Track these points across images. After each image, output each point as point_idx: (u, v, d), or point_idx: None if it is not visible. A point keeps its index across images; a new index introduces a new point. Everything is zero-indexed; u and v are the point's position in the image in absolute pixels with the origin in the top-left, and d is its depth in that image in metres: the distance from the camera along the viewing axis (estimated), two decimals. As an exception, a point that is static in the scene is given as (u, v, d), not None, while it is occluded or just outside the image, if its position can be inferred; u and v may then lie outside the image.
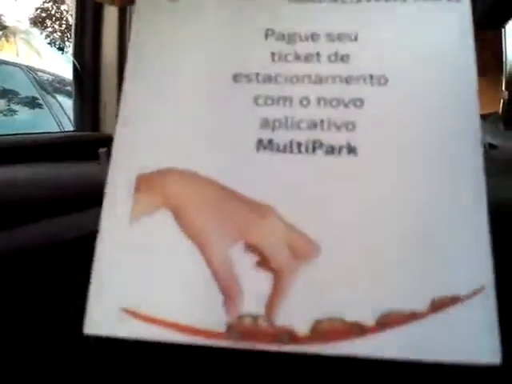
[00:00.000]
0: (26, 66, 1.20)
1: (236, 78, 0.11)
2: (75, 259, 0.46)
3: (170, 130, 0.11)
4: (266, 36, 0.11)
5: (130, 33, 0.12)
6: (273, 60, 0.11)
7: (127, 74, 0.11)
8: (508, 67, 0.43)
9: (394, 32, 0.11)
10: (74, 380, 0.41)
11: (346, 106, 0.11)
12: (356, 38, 0.11)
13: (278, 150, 0.11)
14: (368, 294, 0.10)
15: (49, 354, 0.43)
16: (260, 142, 0.11)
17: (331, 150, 0.11)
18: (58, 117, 1.06)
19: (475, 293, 0.10)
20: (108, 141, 0.64)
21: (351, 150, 0.11)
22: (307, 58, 0.12)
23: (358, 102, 0.11)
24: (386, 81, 0.11)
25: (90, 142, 0.63)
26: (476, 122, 0.11)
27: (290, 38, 0.12)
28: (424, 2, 0.12)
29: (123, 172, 0.11)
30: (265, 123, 0.11)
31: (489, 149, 0.44)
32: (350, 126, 0.11)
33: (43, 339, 0.43)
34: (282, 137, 0.11)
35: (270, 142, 0.11)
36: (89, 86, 0.63)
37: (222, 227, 0.10)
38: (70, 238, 0.45)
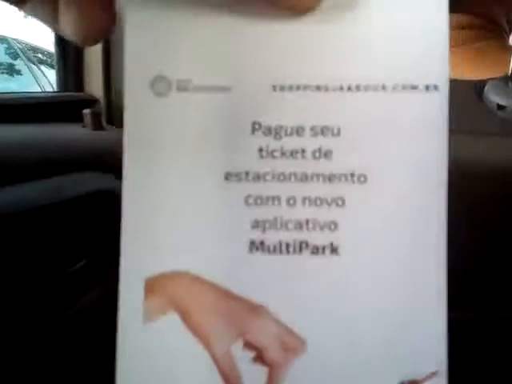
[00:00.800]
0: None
1: (227, 176, 0.12)
2: (57, 221, 0.45)
3: (169, 235, 0.12)
4: (253, 130, 0.12)
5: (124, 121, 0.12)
6: (261, 157, 0.12)
7: (125, 183, 0.12)
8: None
9: (375, 126, 0.12)
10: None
11: (328, 204, 0.12)
12: (339, 133, 0.12)
13: (269, 251, 0.12)
14: (342, 381, 0.12)
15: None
16: (252, 243, 0.12)
17: (316, 251, 0.12)
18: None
19: (431, 375, 0.12)
20: (92, 102, 0.61)
21: (333, 249, 0.12)
22: (293, 155, 0.12)
23: (340, 201, 0.12)
24: (366, 179, 0.12)
25: (74, 103, 0.60)
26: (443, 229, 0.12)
27: (277, 133, 0.12)
28: (402, 91, 0.12)
29: (131, 276, 0.12)
30: (255, 224, 0.12)
31: (497, 109, 0.42)
32: (332, 225, 0.12)
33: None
34: (272, 238, 0.12)
35: (262, 243, 0.12)
36: (71, 44, 0.60)
37: (223, 327, 0.12)
38: (52, 201, 0.43)
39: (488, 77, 0.45)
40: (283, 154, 0.12)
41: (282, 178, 0.12)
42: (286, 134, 0.12)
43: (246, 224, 0.12)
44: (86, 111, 0.56)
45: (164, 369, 0.12)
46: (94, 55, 0.62)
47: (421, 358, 0.12)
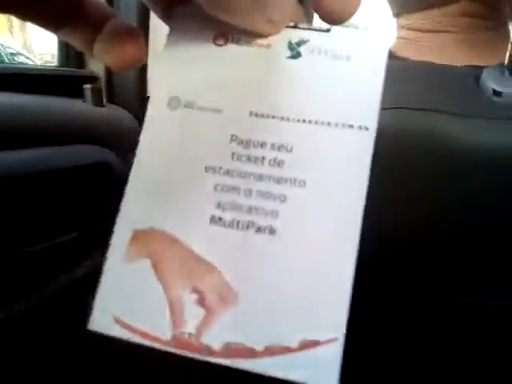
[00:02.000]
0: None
1: (206, 169, 0.17)
2: (50, 189, 0.45)
3: (158, 203, 0.17)
4: (231, 140, 0.17)
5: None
6: (232, 159, 0.17)
7: (138, 155, 0.17)
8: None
9: (318, 148, 0.17)
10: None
11: (274, 199, 0.17)
12: (291, 150, 0.17)
13: (225, 225, 0.17)
14: (261, 330, 0.16)
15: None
16: (213, 217, 0.17)
17: (259, 230, 0.17)
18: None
19: (331, 341, 0.16)
20: (93, 79, 0.61)
21: (271, 231, 0.17)
22: (255, 161, 0.17)
23: (283, 198, 0.17)
24: (305, 184, 0.17)
25: (76, 78, 0.60)
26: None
27: (247, 144, 0.17)
28: (341, 128, 0.17)
29: (126, 225, 0.17)
30: (218, 205, 0.17)
31: (493, 95, 0.43)
32: (274, 213, 0.17)
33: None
34: (228, 216, 0.17)
35: (220, 218, 0.17)
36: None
37: (180, 274, 0.16)
38: (47, 168, 0.43)
39: (483, 64, 0.46)
40: (248, 159, 0.17)
41: (243, 175, 0.17)
42: (253, 146, 0.17)
43: (212, 203, 0.17)
44: (87, 86, 0.56)
45: (132, 301, 0.17)
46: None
47: (324, 324, 0.15)
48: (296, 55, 0.17)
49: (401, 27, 0.52)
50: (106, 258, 0.17)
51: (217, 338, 0.16)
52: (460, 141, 0.42)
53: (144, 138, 0.17)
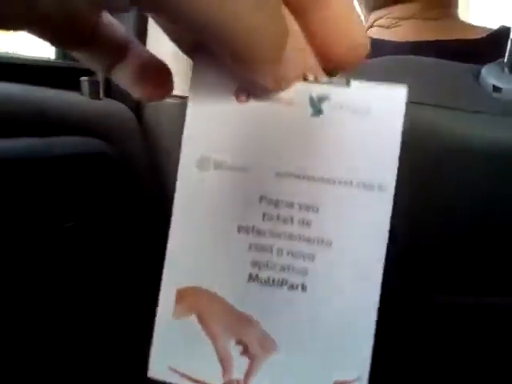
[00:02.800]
0: None
1: (239, 229, 0.18)
2: (45, 178, 0.45)
3: (198, 263, 0.18)
4: (260, 200, 0.18)
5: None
6: (263, 219, 0.18)
7: (174, 218, 0.18)
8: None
9: (342, 209, 0.18)
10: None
11: (303, 258, 0.18)
12: (317, 210, 0.18)
13: (261, 282, 0.18)
14: (299, 373, 0.18)
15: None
16: (250, 275, 0.18)
17: (291, 287, 0.18)
18: None
19: (357, 380, 0.18)
20: (90, 71, 0.60)
21: (303, 288, 0.18)
22: (285, 221, 0.18)
23: (312, 257, 0.18)
24: (331, 244, 0.18)
25: (74, 71, 0.59)
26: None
27: (276, 204, 0.18)
28: (363, 188, 0.17)
29: (170, 285, 0.18)
30: (254, 263, 0.18)
31: (493, 91, 0.43)
32: (304, 272, 0.18)
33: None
34: (263, 274, 0.18)
35: (257, 276, 0.18)
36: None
37: (224, 328, 0.18)
38: (42, 156, 0.43)
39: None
40: (278, 219, 0.18)
41: (275, 235, 0.18)
42: (282, 206, 0.18)
43: (248, 263, 0.18)
44: (84, 79, 0.56)
45: (184, 353, 0.18)
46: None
47: (351, 366, 0.17)
48: (318, 112, 0.17)
49: (376, 19, 0.64)
50: (156, 313, 0.18)
51: (261, 383, 0.18)
52: (460, 136, 0.42)
53: (178, 199, 0.18)
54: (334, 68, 0.17)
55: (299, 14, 0.16)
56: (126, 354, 0.59)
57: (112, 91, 0.64)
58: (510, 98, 0.42)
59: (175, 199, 0.18)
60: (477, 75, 0.44)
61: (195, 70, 0.18)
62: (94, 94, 0.55)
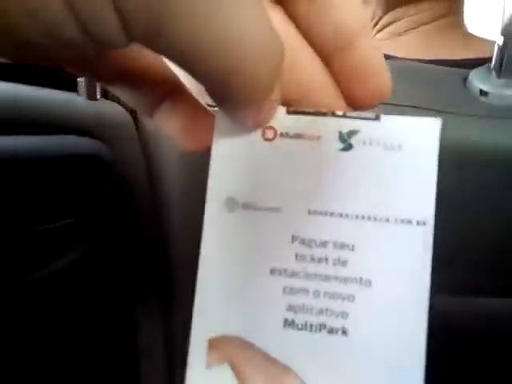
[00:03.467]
0: None
1: (272, 271, 0.17)
2: (41, 176, 0.45)
3: (229, 310, 0.17)
4: (293, 240, 0.17)
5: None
6: (296, 259, 0.17)
7: (202, 263, 0.17)
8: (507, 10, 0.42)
9: (379, 246, 0.17)
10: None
11: (342, 299, 0.17)
12: (353, 248, 0.17)
13: (298, 328, 0.17)
14: None
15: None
16: (286, 321, 0.17)
17: (331, 331, 0.17)
18: None
19: None
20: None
21: (344, 332, 0.17)
22: (319, 261, 0.17)
23: (351, 298, 0.17)
24: (370, 283, 0.17)
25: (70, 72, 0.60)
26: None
27: (309, 244, 0.17)
28: (402, 224, 0.17)
29: (201, 334, 0.18)
30: (289, 308, 0.17)
31: (480, 95, 0.44)
32: (344, 314, 0.17)
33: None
34: (300, 319, 0.17)
35: (293, 321, 0.17)
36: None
37: (259, 378, 0.17)
38: (38, 155, 0.43)
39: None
40: (312, 259, 0.17)
41: (310, 277, 0.17)
42: (316, 246, 0.17)
43: (283, 307, 0.17)
44: (81, 79, 0.56)
45: None
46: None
47: None
48: (348, 147, 0.17)
49: (388, 23, 0.60)
50: (187, 365, 0.18)
51: None
52: (448, 139, 0.42)
53: (205, 242, 0.17)
54: (354, 108, 0.17)
55: (326, 58, 0.16)
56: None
57: (110, 93, 0.65)
58: (497, 101, 0.42)
59: (202, 242, 0.17)
60: (465, 79, 0.45)
61: (217, 119, 0.17)
62: (91, 95, 0.56)
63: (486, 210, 0.42)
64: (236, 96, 0.14)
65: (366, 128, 0.17)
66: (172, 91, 0.18)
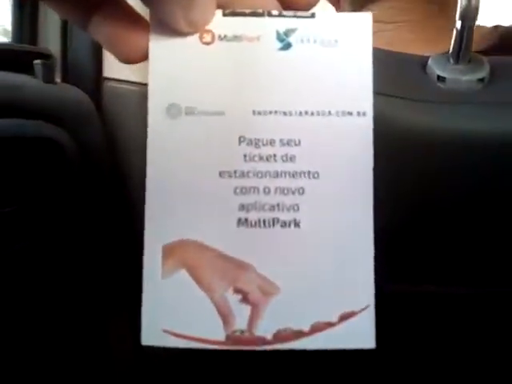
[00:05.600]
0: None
1: (221, 174, 0.17)
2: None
3: (181, 215, 0.17)
4: (239, 142, 0.17)
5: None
6: (245, 161, 0.17)
7: (149, 174, 0.17)
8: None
9: (324, 139, 0.17)
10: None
11: (293, 193, 0.17)
12: (299, 143, 0.17)
13: (251, 225, 0.17)
14: (304, 312, 0.17)
15: None
16: (239, 220, 0.17)
17: (284, 224, 0.17)
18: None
19: (364, 309, 0.17)
20: (46, 56, 0.59)
21: (296, 224, 0.17)
22: (268, 159, 0.17)
23: (301, 190, 0.17)
24: (318, 175, 0.17)
25: (28, 54, 0.58)
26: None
27: (256, 144, 0.17)
28: (343, 116, 0.17)
29: (155, 243, 0.17)
30: (241, 207, 0.17)
31: (437, 80, 0.44)
32: (295, 207, 0.17)
33: None
34: (253, 216, 0.17)
35: (246, 220, 0.17)
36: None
37: (220, 278, 0.17)
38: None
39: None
40: (261, 158, 0.17)
41: (259, 175, 0.17)
42: (263, 145, 0.17)
43: (235, 207, 0.17)
44: (37, 62, 0.55)
45: (179, 312, 0.18)
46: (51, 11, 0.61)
47: (356, 296, 0.17)
48: (286, 46, 0.17)
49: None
50: (142, 277, 0.17)
51: (267, 328, 0.17)
52: (406, 124, 0.42)
53: (151, 151, 0.17)
54: (290, 8, 0.17)
55: None
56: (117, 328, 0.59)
57: (70, 76, 0.63)
58: (454, 87, 0.42)
59: (148, 153, 0.17)
60: (424, 66, 0.45)
61: (152, 27, 0.17)
62: (48, 78, 0.54)
63: (437, 193, 0.43)
64: None
65: (302, 26, 0.17)
66: (104, 0, 0.17)
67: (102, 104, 0.62)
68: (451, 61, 0.43)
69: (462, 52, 0.43)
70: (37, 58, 0.57)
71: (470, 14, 0.41)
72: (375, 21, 0.57)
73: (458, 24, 0.41)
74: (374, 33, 0.58)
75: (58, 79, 0.60)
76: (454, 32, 0.42)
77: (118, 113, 0.62)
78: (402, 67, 0.46)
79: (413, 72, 0.45)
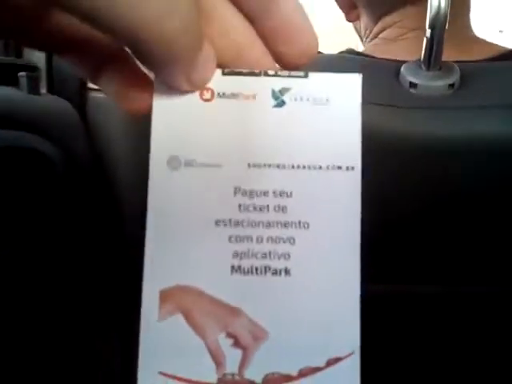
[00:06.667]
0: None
1: (217, 223, 0.18)
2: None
3: (177, 261, 0.18)
4: (235, 193, 0.18)
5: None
6: (239, 210, 0.18)
7: (149, 221, 0.18)
8: (433, 1, 0.43)
9: (314, 191, 0.18)
10: None
11: (284, 242, 0.18)
12: (291, 195, 0.18)
13: (244, 272, 0.18)
14: (293, 357, 0.18)
15: None
16: (233, 267, 0.18)
17: (275, 272, 0.18)
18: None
19: (349, 355, 0.18)
20: (31, 68, 0.60)
21: (287, 272, 0.18)
22: (261, 209, 0.18)
23: (292, 240, 0.18)
24: (309, 225, 0.18)
25: (12, 67, 0.59)
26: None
27: (250, 194, 0.18)
28: (333, 170, 0.18)
29: (152, 287, 0.18)
30: (235, 254, 0.18)
31: (409, 87, 0.45)
32: (286, 256, 0.18)
33: None
34: (246, 264, 0.18)
35: (239, 267, 0.18)
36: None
37: (213, 323, 0.18)
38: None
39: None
40: (254, 208, 0.18)
41: (253, 224, 0.19)
42: (257, 195, 0.19)
43: (229, 254, 0.18)
44: (22, 74, 0.56)
45: (174, 355, 0.19)
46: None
47: (343, 342, 0.18)
48: (281, 104, 0.18)
49: (383, 28, 0.57)
50: (140, 319, 0.18)
51: (257, 372, 0.18)
52: (381, 128, 0.44)
53: (151, 200, 0.18)
54: (285, 67, 0.18)
55: (252, 20, 0.17)
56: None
57: (55, 88, 0.64)
58: (425, 92, 0.44)
59: (148, 201, 0.18)
60: (397, 72, 0.46)
61: (155, 83, 0.18)
62: (33, 90, 0.55)
63: (410, 196, 0.44)
64: (152, 53, 0.15)
65: (296, 85, 0.18)
66: (114, 57, 0.18)
67: (87, 114, 0.63)
68: (423, 67, 0.45)
69: (433, 59, 0.44)
70: (22, 70, 0.58)
71: (439, 22, 0.42)
72: (398, 27, 0.56)
73: (428, 32, 0.43)
74: (395, 39, 0.57)
75: (43, 90, 0.61)
76: (425, 40, 0.44)
77: (103, 123, 0.63)
78: (376, 74, 0.47)
79: (386, 78, 0.46)
